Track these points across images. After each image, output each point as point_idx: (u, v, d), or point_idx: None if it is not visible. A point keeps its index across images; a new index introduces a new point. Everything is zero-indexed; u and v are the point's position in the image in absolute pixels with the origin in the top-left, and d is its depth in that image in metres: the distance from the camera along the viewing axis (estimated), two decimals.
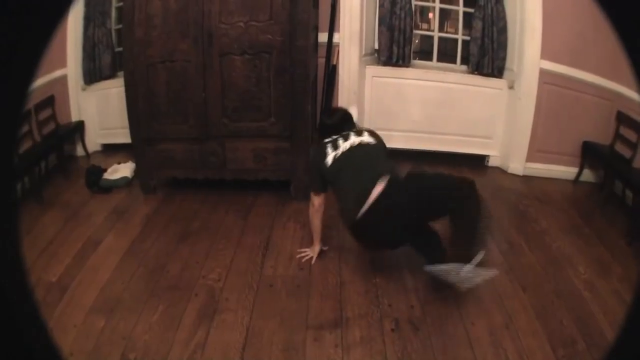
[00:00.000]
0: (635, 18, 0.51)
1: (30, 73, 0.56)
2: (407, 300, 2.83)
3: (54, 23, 0.55)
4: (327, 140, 3.00)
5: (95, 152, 4.98)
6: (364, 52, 4.77)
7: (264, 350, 2.40)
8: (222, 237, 3.41)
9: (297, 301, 2.78)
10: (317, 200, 3.06)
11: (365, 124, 4.86)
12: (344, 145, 2.91)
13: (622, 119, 4.44)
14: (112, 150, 4.91)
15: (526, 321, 2.66)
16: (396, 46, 4.71)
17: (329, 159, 2.89)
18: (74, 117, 4.79)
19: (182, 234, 3.42)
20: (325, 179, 2.96)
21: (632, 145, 4.25)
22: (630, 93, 4.34)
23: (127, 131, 3.90)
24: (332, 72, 4.55)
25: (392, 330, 2.60)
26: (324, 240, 3.23)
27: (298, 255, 3.18)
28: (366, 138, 2.98)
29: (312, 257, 3.14)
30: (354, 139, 2.94)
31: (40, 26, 0.53)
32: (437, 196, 2.73)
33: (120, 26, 4.16)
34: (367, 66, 4.83)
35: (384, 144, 3.05)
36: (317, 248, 3.18)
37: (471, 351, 2.47)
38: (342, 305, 2.76)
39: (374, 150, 2.94)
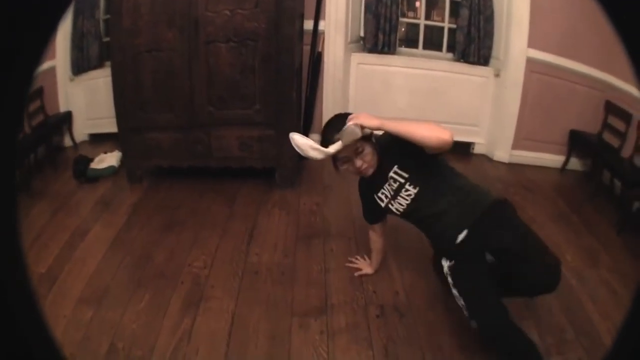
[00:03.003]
0: (634, 17, 0.52)
1: (29, 73, 0.57)
2: (391, 286, 2.85)
3: (54, 20, 0.55)
4: None
5: (83, 142, 4.96)
6: (349, 40, 4.76)
7: (249, 338, 2.42)
8: (208, 225, 3.41)
9: (282, 288, 2.79)
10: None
11: (350, 111, 4.88)
12: None
13: (610, 108, 4.47)
14: (99, 140, 4.89)
15: (513, 309, 2.64)
16: (382, 34, 4.70)
17: None
18: (62, 108, 4.77)
19: (167, 223, 3.42)
20: None
21: (620, 135, 4.28)
22: (619, 83, 4.36)
23: (114, 120, 3.87)
24: (317, 59, 4.54)
25: (377, 316, 2.62)
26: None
27: (348, 264, 3.01)
28: None
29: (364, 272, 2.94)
30: None
31: (40, 24, 0.53)
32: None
33: (108, 16, 4.13)
34: (353, 53, 4.82)
35: None
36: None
37: (457, 338, 2.49)
38: (327, 292, 2.78)
39: None
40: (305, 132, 4.60)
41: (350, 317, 2.60)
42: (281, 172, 3.94)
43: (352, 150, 2.30)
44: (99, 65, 4.84)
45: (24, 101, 0.56)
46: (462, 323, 2.53)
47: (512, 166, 4.87)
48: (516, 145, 4.89)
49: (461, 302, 2.19)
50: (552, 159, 4.89)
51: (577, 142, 4.74)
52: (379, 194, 2.45)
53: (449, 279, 2.25)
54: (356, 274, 2.93)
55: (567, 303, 2.83)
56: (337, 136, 2.25)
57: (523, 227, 2.28)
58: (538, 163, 4.90)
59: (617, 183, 4.23)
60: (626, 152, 4.16)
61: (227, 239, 3.26)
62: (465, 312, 2.18)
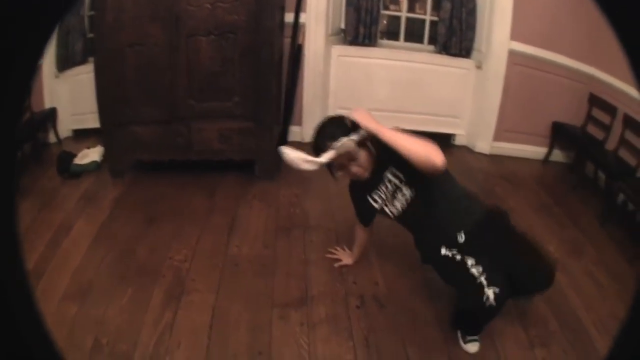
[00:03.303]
0: (633, 16, 0.51)
1: (29, 74, 0.56)
2: (371, 277, 2.88)
3: (54, 20, 0.55)
4: None
5: (67, 138, 4.95)
6: (330, 32, 4.76)
7: (230, 330, 2.43)
8: (188, 218, 3.42)
9: (262, 280, 2.80)
10: None
11: (331, 104, 4.90)
12: None
13: (595, 101, 4.50)
14: (83, 136, 4.87)
15: None
16: (363, 26, 4.71)
17: None
18: (47, 105, 4.75)
19: (149, 217, 3.41)
20: None
21: (604, 127, 4.31)
22: (603, 75, 4.40)
23: (97, 116, 3.87)
24: (298, 52, 4.54)
25: (358, 307, 2.64)
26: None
27: (329, 255, 3.03)
28: None
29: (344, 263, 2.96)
30: None
31: (40, 24, 0.53)
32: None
33: (93, 13, 4.12)
34: (334, 46, 4.82)
35: None
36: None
37: (438, 328, 2.51)
38: (307, 283, 2.80)
39: None
40: (286, 125, 4.61)
41: (330, 308, 2.61)
42: (261, 164, 3.96)
43: (346, 158, 2.29)
44: (83, 61, 4.82)
45: (24, 99, 0.57)
46: (444, 315, 2.57)
47: (493, 157, 4.90)
48: (498, 136, 4.93)
49: (479, 269, 2.15)
50: (535, 151, 4.94)
51: (560, 134, 4.77)
52: (373, 195, 2.44)
53: (457, 257, 2.23)
54: (336, 264, 2.94)
55: (551, 295, 2.78)
56: (330, 145, 2.24)
57: (516, 237, 2.33)
58: (520, 155, 4.94)
59: (602, 175, 4.25)
60: (611, 144, 4.20)
61: (207, 231, 3.26)
62: (475, 285, 2.14)
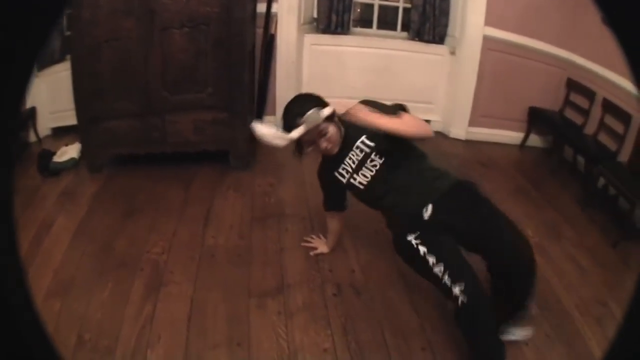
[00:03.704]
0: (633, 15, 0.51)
1: (27, 74, 0.56)
2: (347, 264, 2.91)
3: (51, 21, 0.55)
4: None
5: (47, 137, 4.93)
6: (302, 21, 4.77)
7: (208, 321, 2.45)
8: (165, 210, 3.43)
9: (239, 270, 2.83)
10: None
11: (303, 92, 4.92)
12: None
13: (573, 86, 4.54)
14: (62, 133, 4.86)
15: None
16: (335, 14, 4.73)
17: None
18: (28, 105, 4.74)
19: (126, 210, 3.42)
20: None
21: (582, 112, 4.35)
22: (581, 60, 4.44)
23: (74, 112, 3.88)
24: (270, 41, 4.55)
25: (334, 295, 2.67)
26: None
27: (304, 244, 3.05)
28: None
29: (320, 251, 2.98)
30: None
31: (36, 25, 0.53)
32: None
33: (70, 10, 4.11)
34: (306, 35, 4.84)
35: None
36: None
37: (415, 314, 2.55)
38: (283, 272, 2.82)
39: None
40: (259, 114, 4.63)
41: (307, 296, 2.64)
42: (235, 154, 3.99)
43: (315, 133, 2.32)
44: (61, 59, 4.79)
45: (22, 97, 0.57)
46: (421, 301, 2.61)
47: (469, 143, 4.94)
48: (473, 122, 4.96)
49: (440, 268, 2.07)
50: (511, 136, 4.98)
51: (537, 119, 4.81)
52: (340, 170, 2.45)
53: (421, 249, 2.14)
54: (312, 252, 2.97)
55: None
56: (299, 121, 2.27)
57: (488, 205, 2.31)
58: (496, 140, 4.98)
59: (581, 159, 4.28)
60: (589, 129, 4.25)
61: (184, 223, 3.28)
62: (443, 286, 2.06)
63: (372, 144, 2.35)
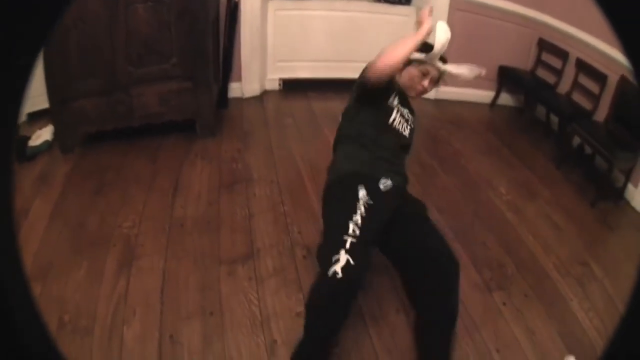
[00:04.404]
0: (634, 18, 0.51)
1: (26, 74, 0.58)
2: (317, 226, 2.90)
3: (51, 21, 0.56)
4: None
5: (23, 123, 4.92)
6: None
7: (180, 292, 2.47)
8: (134, 183, 3.42)
9: (208, 238, 2.84)
10: None
11: (269, 58, 4.88)
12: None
13: (544, 45, 4.53)
14: (36, 118, 4.85)
15: None
16: None
17: None
18: None
19: (97, 187, 3.41)
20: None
21: (555, 72, 4.36)
22: (552, 21, 4.45)
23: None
24: (234, 9, 4.49)
25: (304, 257, 2.70)
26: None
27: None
28: None
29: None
30: None
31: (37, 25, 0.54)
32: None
33: None
34: (270, 1, 4.76)
35: None
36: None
37: (389, 273, 2.56)
38: (252, 237, 2.84)
39: None
40: (225, 82, 4.60)
41: (277, 260, 2.67)
42: (201, 122, 4.00)
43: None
44: None
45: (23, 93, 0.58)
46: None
47: (438, 102, 4.92)
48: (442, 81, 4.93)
49: (349, 233, 1.91)
50: (481, 95, 4.99)
51: (507, 78, 4.81)
52: (394, 106, 2.42)
53: (362, 208, 1.98)
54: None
55: (505, 237, 2.83)
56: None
57: (429, 219, 2.28)
58: (466, 99, 4.99)
59: (554, 118, 4.31)
60: (562, 88, 4.26)
61: (153, 195, 3.27)
62: (334, 244, 1.90)
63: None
